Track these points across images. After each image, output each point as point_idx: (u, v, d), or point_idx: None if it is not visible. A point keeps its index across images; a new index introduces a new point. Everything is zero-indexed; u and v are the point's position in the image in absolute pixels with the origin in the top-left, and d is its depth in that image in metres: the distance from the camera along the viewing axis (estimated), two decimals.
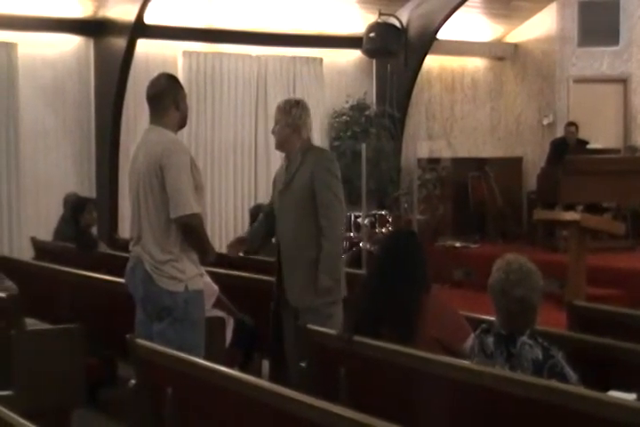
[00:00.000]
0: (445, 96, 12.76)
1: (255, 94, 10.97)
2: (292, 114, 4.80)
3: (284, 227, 4.80)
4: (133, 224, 4.38)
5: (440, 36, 11.54)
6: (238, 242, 5.14)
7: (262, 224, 5.10)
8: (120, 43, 9.54)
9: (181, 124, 4.44)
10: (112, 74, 9.66)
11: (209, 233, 4.49)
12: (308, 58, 11.38)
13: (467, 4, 11.19)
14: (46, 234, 8.49)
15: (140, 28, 9.41)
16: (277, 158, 11.00)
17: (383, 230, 10.27)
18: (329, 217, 4.69)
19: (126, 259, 4.52)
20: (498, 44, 12.98)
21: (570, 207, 9.87)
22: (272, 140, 5.42)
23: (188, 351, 3.72)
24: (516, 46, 12.93)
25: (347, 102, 11.60)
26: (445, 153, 12.55)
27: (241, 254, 5.36)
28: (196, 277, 4.30)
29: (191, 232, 4.23)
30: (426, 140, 12.47)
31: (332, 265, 4.66)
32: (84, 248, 7.38)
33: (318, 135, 11.11)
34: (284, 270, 4.78)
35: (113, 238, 9.16)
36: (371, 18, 11.27)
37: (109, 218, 9.79)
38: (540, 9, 12.43)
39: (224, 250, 5.30)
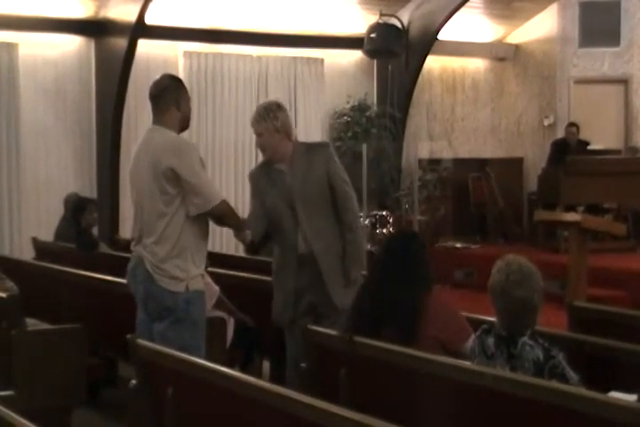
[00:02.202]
0: (446, 97, 12.76)
1: (256, 95, 10.96)
2: (280, 118, 4.54)
3: (314, 230, 4.57)
4: (135, 224, 4.38)
5: (441, 36, 11.53)
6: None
7: (260, 225, 4.70)
8: (121, 43, 9.53)
9: (183, 125, 4.41)
10: (113, 74, 9.65)
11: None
12: (308, 58, 11.37)
13: (468, 4, 11.19)
14: (47, 234, 8.49)
15: (140, 29, 9.40)
16: None
17: (384, 231, 10.27)
18: (351, 209, 4.65)
19: (127, 259, 4.52)
20: (499, 44, 12.98)
21: (571, 208, 9.88)
22: None
23: (189, 352, 3.72)
24: (516, 47, 12.92)
25: (347, 103, 11.59)
26: (446, 154, 12.55)
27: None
28: (197, 278, 4.30)
29: (226, 217, 4.35)
30: (427, 140, 12.46)
31: (362, 256, 4.58)
32: (84, 249, 7.38)
33: (319, 136, 11.11)
34: (325, 275, 4.57)
35: (113, 239, 9.17)
36: (372, 18, 11.26)
37: (110, 218, 9.78)
38: (541, 10, 12.42)
39: (225, 250, 5.25)
